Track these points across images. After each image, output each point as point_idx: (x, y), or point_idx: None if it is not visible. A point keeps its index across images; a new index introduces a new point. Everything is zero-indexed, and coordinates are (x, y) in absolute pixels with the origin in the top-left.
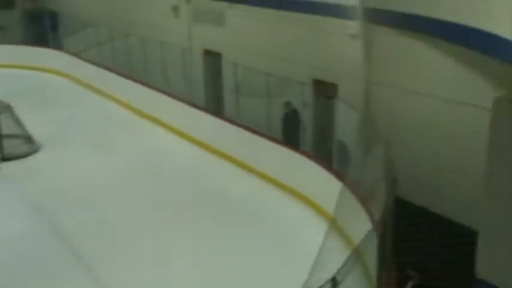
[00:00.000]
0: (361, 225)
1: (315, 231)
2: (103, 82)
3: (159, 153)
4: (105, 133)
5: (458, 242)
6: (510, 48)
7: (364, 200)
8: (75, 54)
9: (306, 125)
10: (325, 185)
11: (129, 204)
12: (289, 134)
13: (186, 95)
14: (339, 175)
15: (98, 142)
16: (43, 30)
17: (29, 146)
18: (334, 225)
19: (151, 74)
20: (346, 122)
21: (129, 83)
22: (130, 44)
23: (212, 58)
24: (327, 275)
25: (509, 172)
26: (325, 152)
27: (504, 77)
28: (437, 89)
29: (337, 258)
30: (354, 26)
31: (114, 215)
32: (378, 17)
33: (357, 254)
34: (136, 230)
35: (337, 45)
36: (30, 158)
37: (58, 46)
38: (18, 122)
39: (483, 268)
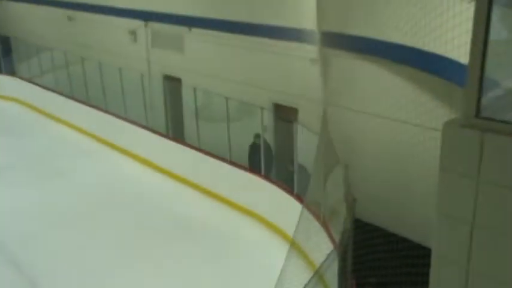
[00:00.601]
0: (321, 246)
1: (275, 253)
2: (59, 108)
3: (118, 180)
4: (61, 160)
5: (415, 261)
6: (462, 72)
7: (325, 222)
8: (29, 80)
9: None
10: (286, 208)
11: (83, 232)
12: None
13: (145, 121)
14: (300, 198)
15: (53, 169)
16: None
17: None
18: (294, 246)
19: (110, 99)
20: (306, 146)
21: (86, 109)
22: (86, 69)
23: (172, 83)
24: None
25: (456, 192)
26: (287, 176)
27: (456, 99)
28: (393, 111)
29: (298, 279)
30: (313, 50)
31: (69, 244)
32: (333, 41)
33: (318, 275)
34: (92, 256)
35: (296, 69)
36: None
37: (11, 72)
38: None
39: (436, 287)
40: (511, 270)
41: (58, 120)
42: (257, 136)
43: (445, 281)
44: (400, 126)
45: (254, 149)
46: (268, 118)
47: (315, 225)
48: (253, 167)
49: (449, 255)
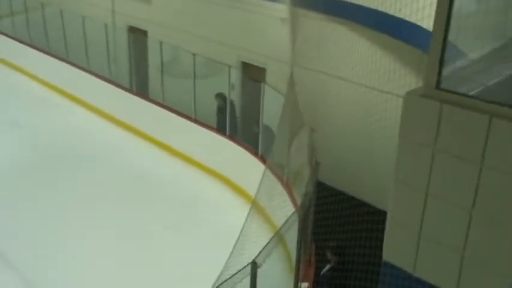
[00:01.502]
0: (283, 208)
1: (236, 213)
2: (16, 56)
3: (79, 133)
4: (18, 111)
5: (374, 226)
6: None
7: (287, 184)
8: None
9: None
10: (249, 169)
11: (43, 184)
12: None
13: (109, 74)
14: (264, 160)
15: (11, 120)
16: None
17: None
18: (255, 207)
19: (71, 50)
20: (272, 107)
21: (46, 58)
22: (47, 16)
23: (137, 36)
24: (247, 258)
25: (413, 160)
26: (252, 136)
27: (422, 67)
28: (362, 77)
29: (258, 240)
30: (284, 9)
31: (29, 195)
32: (304, 1)
33: (278, 236)
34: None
35: (266, 28)
36: None
37: None
38: None
39: (389, 250)
40: (460, 236)
41: (17, 69)
42: (218, 96)
43: (398, 244)
44: (367, 92)
45: (219, 108)
46: (235, 77)
47: (278, 187)
48: (219, 126)
49: (404, 221)
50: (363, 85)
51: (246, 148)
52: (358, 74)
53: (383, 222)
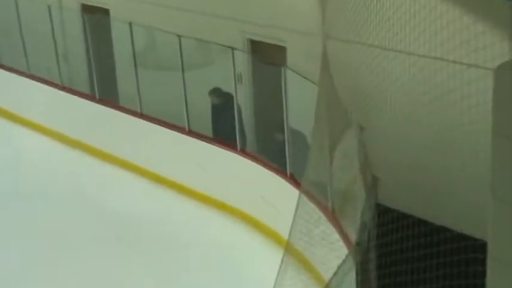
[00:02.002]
0: (330, 250)
1: (261, 263)
2: None
3: (21, 164)
4: None
5: (460, 258)
6: None
7: (334, 213)
8: None
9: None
10: (275, 196)
11: None
12: (222, 133)
13: (58, 75)
14: (295, 180)
15: None
16: None
17: None
18: (290, 252)
19: (2, 44)
20: (301, 101)
21: None
22: None
23: (96, 18)
24: None
25: None
26: (274, 148)
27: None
28: (427, 47)
29: None
30: None
31: None
32: None
33: None
34: None
35: None
36: None
37: None
38: None
39: None
40: None
41: None
42: (214, 93)
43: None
44: (438, 68)
45: (215, 112)
46: (242, 62)
47: (320, 218)
48: (217, 135)
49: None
50: (430, 58)
51: (267, 165)
52: (423, 43)
53: (473, 250)
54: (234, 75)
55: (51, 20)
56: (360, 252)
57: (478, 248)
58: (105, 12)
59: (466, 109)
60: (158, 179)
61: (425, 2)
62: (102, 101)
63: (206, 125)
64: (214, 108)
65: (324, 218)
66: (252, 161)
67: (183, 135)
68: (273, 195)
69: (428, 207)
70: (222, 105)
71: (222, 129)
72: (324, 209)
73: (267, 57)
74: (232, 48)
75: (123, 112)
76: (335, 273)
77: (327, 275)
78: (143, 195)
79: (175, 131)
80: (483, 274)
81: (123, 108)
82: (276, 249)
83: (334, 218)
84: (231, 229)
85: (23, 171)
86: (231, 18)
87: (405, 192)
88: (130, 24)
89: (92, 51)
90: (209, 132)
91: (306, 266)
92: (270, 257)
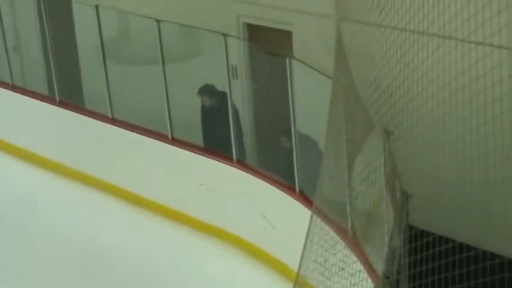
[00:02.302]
0: (350, 282)
1: None
2: None
3: None
4: None
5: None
6: None
7: (355, 238)
8: None
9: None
10: (280, 217)
11: None
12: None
13: (7, 73)
14: (306, 197)
15: None
16: None
17: None
18: None
19: None
20: (311, 98)
21: None
22: None
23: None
24: None
25: None
26: (278, 157)
27: None
28: (464, 29)
29: None
30: None
31: None
32: None
33: None
34: None
35: None
36: None
37: None
38: None
39: None
40: None
41: None
42: (205, 90)
43: None
44: (486, 55)
45: (207, 114)
46: (238, 52)
47: (337, 244)
48: (212, 146)
49: None
50: (473, 43)
51: (271, 180)
52: (461, 25)
53: None
54: (227, 68)
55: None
56: (388, 286)
57: None
58: None
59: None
60: (136, 201)
61: None
62: (64, 103)
63: (194, 131)
64: (205, 111)
65: (342, 243)
66: (252, 174)
67: (165, 144)
68: (278, 216)
69: (473, 230)
70: (215, 106)
71: (215, 137)
72: (342, 232)
73: (268, 45)
74: (225, 35)
75: (90, 117)
76: None
77: None
78: (119, 222)
79: (155, 139)
80: None
81: (90, 112)
82: (283, 283)
83: (355, 243)
84: (228, 260)
85: None
86: None
87: (443, 211)
88: (96, 7)
89: (50, 41)
90: (197, 141)
91: None
92: None
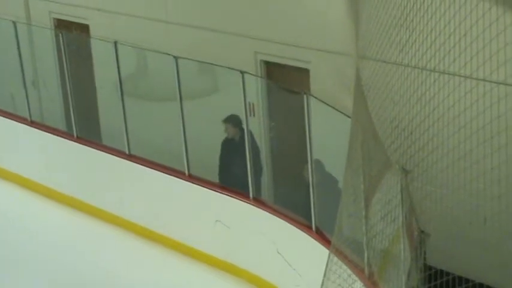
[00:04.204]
0: None
1: None
2: None
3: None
4: None
5: None
6: None
7: (372, 277)
8: None
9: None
10: (296, 256)
11: None
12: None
13: (25, 107)
14: (323, 235)
15: None
16: None
17: None
18: None
19: None
20: (328, 135)
21: None
22: None
23: (72, 35)
24: None
25: None
26: (296, 194)
27: None
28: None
29: None
30: None
31: None
32: None
33: None
34: None
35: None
36: None
37: None
38: None
39: None
40: None
41: None
42: (231, 120)
43: None
44: (507, 95)
45: (228, 147)
46: (256, 89)
47: (355, 283)
48: (228, 182)
49: None
50: (494, 82)
51: (286, 217)
52: (482, 64)
53: None
54: (244, 105)
55: (18, 38)
56: None
57: None
58: (84, 28)
59: None
60: (151, 237)
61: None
62: (81, 139)
63: (210, 167)
64: (226, 144)
65: (359, 283)
66: (268, 212)
67: (182, 180)
68: (294, 254)
69: (492, 270)
70: (237, 140)
71: (233, 172)
72: (359, 272)
73: (285, 82)
74: (243, 72)
75: (107, 152)
76: None
77: None
78: (133, 257)
79: (172, 175)
80: None
81: (107, 148)
82: None
83: (372, 283)
84: None
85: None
86: (241, 35)
87: (462, 251)
88: (115, 43)
89: (68, 77)
90: (214, 177)
91: None
92: None
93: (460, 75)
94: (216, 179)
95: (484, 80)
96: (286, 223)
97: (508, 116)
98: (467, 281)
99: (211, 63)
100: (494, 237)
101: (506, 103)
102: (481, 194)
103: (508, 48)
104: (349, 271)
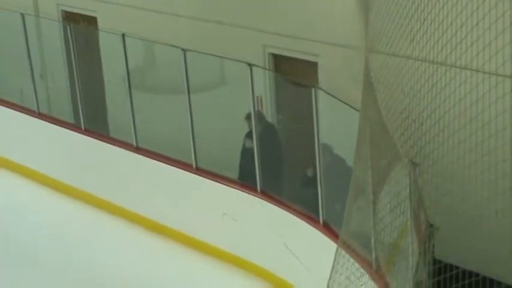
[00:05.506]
0: None
1: None
2: None
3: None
4: None
5: None
6: None
7: (380, 271)
8: None
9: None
10: (305, 249)
11: None
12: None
13: (34, 99)
14: (331, 230)
15: None
16: None
17: None
18: None
19: None
20: (337, 129)
21: None
22: None
23: (80, 28)
24: None
25: None
26: (303, 186)
27: None
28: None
29: None
30: None
31: None
32: None
33: None
34: None
35: None
36: None
37: None
38: None
39: None
40: None
41: None
42: (256, 116)
43: None
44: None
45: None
46: (264, 82)
47: (362, 276)
48: (246, 174)
49: None
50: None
51: (293, 210)
52: (491, 58)
53: None
54: (252, 98)
55: (26, 31)
56: None
57: None
58: (92, 21)
59: None
60: (158, 229)
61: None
62: (89, 131)
63: (218, 161)
64: (248, 141)
65: (367, 276)
66: (275, 205)
67: (189, 173)
68: (302, 248)
69: (500, 264)
70: (261, 134)
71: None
72: (367, 265)
73: (293, 75)
74: (251, 65)
75: (115, 145)
76: None
77: None
78: (141, 250)
79: (179, 168)
80: None
81: (115, 141)
82: None
83: (379, 276)
84: None
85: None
86: (250, 28)
87: (470, 245)
88: (123, 35)
89: (76, 70)
90: (219, 170)
91: None
92: None
93: (468, 69)
94: (223, 172)
95: (496, 74)
96: (294, 216)
97: None
98: (476, 275)
99: (220, 56)
100: (505, 230)
101: None
102: (493, 186)
103: None
104: (357, 264)
